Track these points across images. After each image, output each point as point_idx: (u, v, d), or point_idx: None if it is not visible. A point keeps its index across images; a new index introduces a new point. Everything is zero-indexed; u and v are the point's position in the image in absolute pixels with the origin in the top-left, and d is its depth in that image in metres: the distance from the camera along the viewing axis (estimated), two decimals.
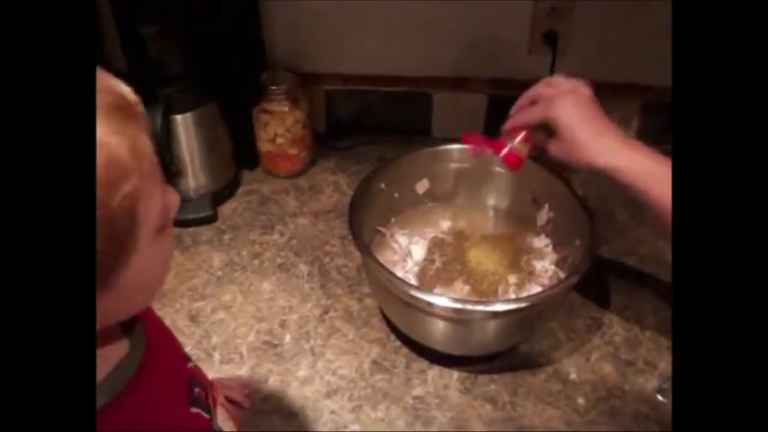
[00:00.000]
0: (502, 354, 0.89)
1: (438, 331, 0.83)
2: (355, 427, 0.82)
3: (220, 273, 1.01)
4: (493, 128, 1.20)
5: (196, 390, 0.57)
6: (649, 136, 1.20)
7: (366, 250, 0.82)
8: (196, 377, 0.59)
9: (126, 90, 0.43)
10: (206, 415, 0.57)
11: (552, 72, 1.11)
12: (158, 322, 0.59)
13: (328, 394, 0.85)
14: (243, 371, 0.88)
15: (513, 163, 0.85)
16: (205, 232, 1.08)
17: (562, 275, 0.89)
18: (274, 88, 1.09)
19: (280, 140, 1.12)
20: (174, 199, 0.47)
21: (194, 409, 0.56)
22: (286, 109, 1.10)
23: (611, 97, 1.16)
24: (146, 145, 0.42)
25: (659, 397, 0.84)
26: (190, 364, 0.60)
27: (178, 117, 1.04)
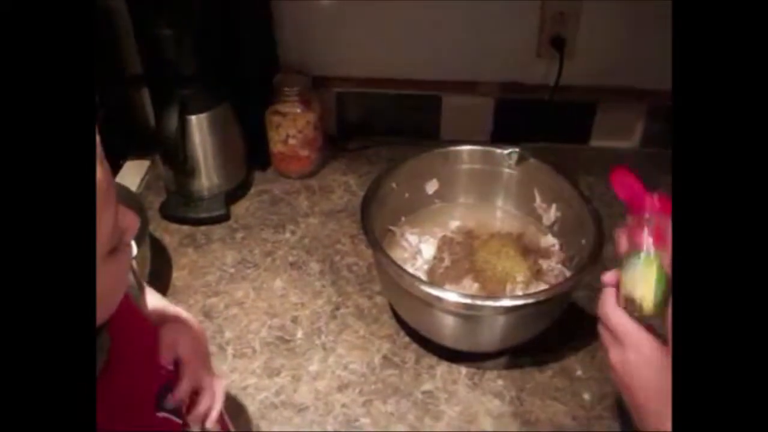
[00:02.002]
0: (510, 350, 0.90)
1: (447, 327, 0.85)
2: (366, 420, 0.84)
3: (232, 270, 1.03)
4: (500, 131, 1.23)
5: (169, 395, 0.58)
6: (655, 140, 1.23)
7: (377, 246, 0.85)
8: (171, 383, 0.60)
9: None
10: (177, 420, 0.58)
11: (559, 76, 1.13)
12: (136, 329, 0.59)
13: (340, 389, 0.87)
14: (256, 365, 0.89)
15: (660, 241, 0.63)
16: (218, 230, 1.10)
17: (568, 274, 0.90)
18: (286, 90, 1.11)
19: (291, 141, 1.14)
20: (131, 222, 0.47)
21: (163, 414, 0.56)
22: (298, 110, 1.12)
23: (617, 101, 1.20)
24: (102, 164, 0.42)
25: None
26: (170, 368, 0.61)
27: (193, 118, 1.06)
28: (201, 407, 0.64)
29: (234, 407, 0.84)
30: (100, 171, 0.41)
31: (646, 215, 0.63)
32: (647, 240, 0.62)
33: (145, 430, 0.55)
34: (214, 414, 0.66)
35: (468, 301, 0.80)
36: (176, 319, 0.69)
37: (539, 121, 1.20)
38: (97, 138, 0.42)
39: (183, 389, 0.61)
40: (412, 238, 0.97)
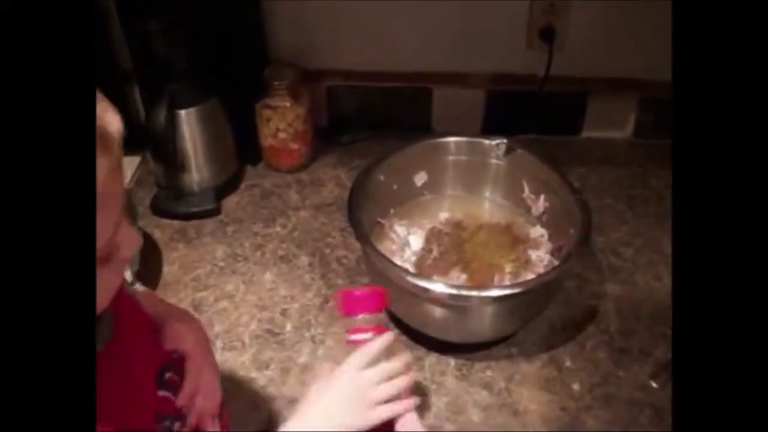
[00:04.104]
0: (499, 342, 0.90)
1: (435, 318, 0.85)
2: None
3: (222, 264, 1.03)
4: (491, 123, 1.23)
5: (168, 374, 0.60)
6: (647, 130, 1.23)
7: (365, 238, 0.84)
8: (170, 363, 0.61)
9: (113, 122, 0.44)
10: (175, 398, 0.60)
11: (549, 67, 1.12)
12: (134, 314, 0.61)
13: None
14: (245, 358, 0.89)
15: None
16: (208, 224, 1.10)
17: (557, 264, 0.90)
18: (276, 83, 1.11)
19: (282, 135, 1.14)
20: (131, 239, 0.48)
21: (162, 392, 0.58)
22: (288, 104, 1.12)
23: (608, 92, 1.20)
24: (111, 178, 0.43)
25: (653, 384, 0.86)
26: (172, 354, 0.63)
27: (182, 112, 1.06)
28: (198, 406, 0.65)
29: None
30: (114, 179, 0.43)
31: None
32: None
33: (147, 407, 0.57)
34: (210, 412, 0.66)
35: (455, 291, 0.80)
36: (182, 314, 0.72)
37: (531, 113, 1.20)
38: (119, 150, 0.44)
39: (187, 390, 0.63)
40: (401, 230, 0.97)
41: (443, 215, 1.00)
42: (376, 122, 1.25)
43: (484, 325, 0.87)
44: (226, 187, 1.15)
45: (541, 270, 0.91)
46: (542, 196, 0.96)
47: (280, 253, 1.05)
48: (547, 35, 1.12)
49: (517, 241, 0.94)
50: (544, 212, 0.97)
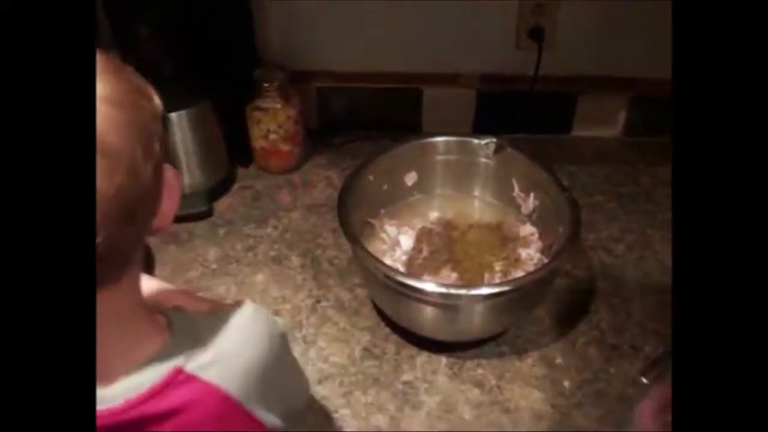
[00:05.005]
0: (490, 340, 0.91)
1: (426, 318, 0.85)
2: (346, 411, 0.84)
3: (214, 266, 1.03)
4: (482, 122, 1.23)
5: None
6: (637, 129, 1.24)
7: (354, 238, 0.85)
8: None
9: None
10: None
11: (538, 67, 1.13)
12: None
13: (320, 381, 0.87)
14: None
15: None
16: (200, 226, 1.10)
17: (546, 262, 0.90)
18: (266, 85, 1.11)
19: (272, 137, 1.14)
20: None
21: None
22: (279, 105, 1.12)
23: (598, 91, 1.20)
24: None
25: (643, 380, 0.86)
26: None
27: (173, 115, 1.06)
28: None
29: None
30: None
31: None
32: None
33: None
34: None
35: (445, 290, 0.81)
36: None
37: (521, 112, 1.20)
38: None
39: None
40: (391, 230, 0.97)
41: (433, 215, 1.00)
42: (366, 123, 1.25)
43: (474, 323, 0.87)
44: (217, 189, 1.15)
45: (532, 268, 0.91)
46: (532, 195, 0.97)
47: (272, 254, 1.05)
48: (536, 35, 1.12)
49: (507, 240, 0.95)
50: (533, 210, 0.97)
